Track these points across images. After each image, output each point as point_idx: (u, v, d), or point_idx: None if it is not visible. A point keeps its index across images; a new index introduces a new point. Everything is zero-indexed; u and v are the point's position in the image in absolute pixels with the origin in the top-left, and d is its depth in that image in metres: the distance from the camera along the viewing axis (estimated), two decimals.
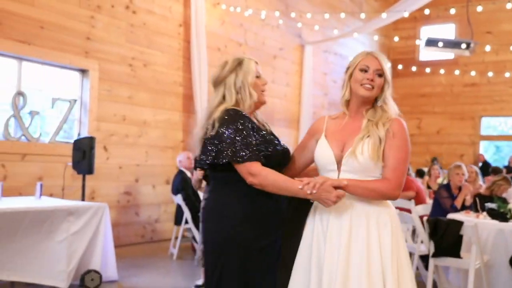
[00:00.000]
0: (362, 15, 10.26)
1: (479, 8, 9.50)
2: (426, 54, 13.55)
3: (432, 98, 14.05)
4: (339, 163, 2.18)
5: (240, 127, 2.21)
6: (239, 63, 2.35)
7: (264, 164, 2.19)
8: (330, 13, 10.71)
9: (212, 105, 2.34)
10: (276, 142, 2.33)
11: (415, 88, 14.13)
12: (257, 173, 2.14)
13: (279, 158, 2.31)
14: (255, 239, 2.18)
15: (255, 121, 2.35)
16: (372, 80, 2.19)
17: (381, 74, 2.21)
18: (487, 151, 15.84)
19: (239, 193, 2.21)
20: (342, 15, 10.27)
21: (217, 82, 2.36)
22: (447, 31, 13.89)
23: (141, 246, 7.03)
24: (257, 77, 2.36)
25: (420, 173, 8.81)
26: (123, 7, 6.98)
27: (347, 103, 2.29)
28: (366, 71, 2.20)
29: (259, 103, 2.37)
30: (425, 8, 9.15)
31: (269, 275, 2.21)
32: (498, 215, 4.56)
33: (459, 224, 4.24)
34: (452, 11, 10.29)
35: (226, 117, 2.23)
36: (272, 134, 2.37)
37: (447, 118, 13.95)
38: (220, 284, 2.22)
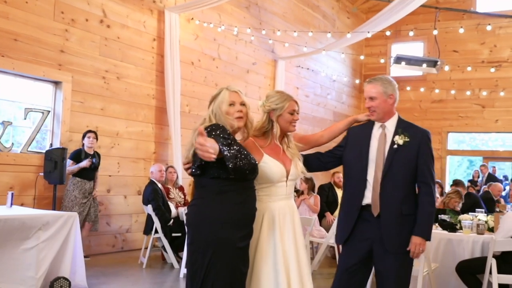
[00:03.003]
0: (329, 35, 10.60)
1: (446, 28, 9.93)
2: (396, 70, 13.99)
3: (402, 113, 14.05)
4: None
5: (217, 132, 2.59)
6: (217, 93, 2.77)
7: (250, 175, 2.64)
8: (302, 30, 11.04)
9: (198, 123, 2.73)
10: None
11: None
12: None
13: (253, 170, 2.69)
14: (238, 240, 2.56)
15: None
16: (297, 119, 2.99)
17: (298, 113, 3.00)
18: (461, 165, 16.31)
19: (226, 202, 2.57)
20: (310, 33, 10.59)
21: (208, 106, 2.79)
22: (416, 49, 14.38)
23: (112, 256, 7.13)
24: (231, 104, 2.71)
25: None
26: (97, 21, 7.16)
27: (275, 135, 2.96)
28: (292, 114, 2.94)
29: (235, 128, 2.72)
30: (395, 27, 9.54)
31: (246, 269, 2.66)
32: (448, 226, 4.87)
33: None
34: (421, 30, 10.73)
35: (208, 130, 2.57)
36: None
37: None
38: (206, 281, 2.54)
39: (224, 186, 2.56)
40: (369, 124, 3.20)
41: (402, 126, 3.09)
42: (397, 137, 3.05)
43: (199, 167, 2.53)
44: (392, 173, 3.01)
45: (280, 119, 2.93)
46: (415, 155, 3.03)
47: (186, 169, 2.68)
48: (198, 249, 2.56)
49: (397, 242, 2.99)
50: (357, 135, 3.18)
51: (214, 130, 2.54)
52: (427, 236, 3.00)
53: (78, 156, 6.44)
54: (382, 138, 3.09)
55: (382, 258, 3.02)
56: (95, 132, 6.65)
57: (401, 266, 3.02)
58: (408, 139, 3.03)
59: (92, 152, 6.58)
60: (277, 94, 2.96)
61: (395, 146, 3.04)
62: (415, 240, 2.98)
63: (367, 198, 3.05)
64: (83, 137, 6.59)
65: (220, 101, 2.71)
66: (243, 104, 2.75)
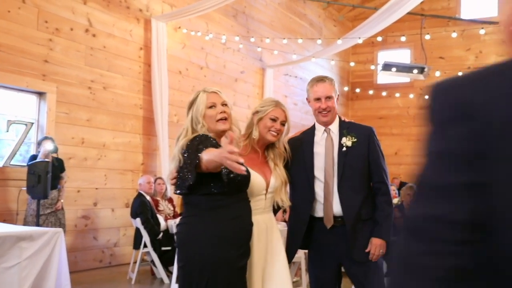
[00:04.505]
0: (319, 41, 10.56)
1: (432, 35, 9.94)
2: (384, 77, 13.99)
3: (390, 120, 14.47)
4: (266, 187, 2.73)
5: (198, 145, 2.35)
6: (195, 97, 2.52)
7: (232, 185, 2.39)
8: (290, 38, 10.98)
9: (178, 135, 2.51)
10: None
11: (373, 111, 14.54)
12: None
13: (247, 180, 2.48)
14: (237, 259, 2.36)
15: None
16: (279, 129, 2.75)
17: (284, 123, 2.79)
18: None
19: (221, 218, 2.36)
20: (300, 40, 10.54)
21: (187, 113, 2.55)
22: (403, 56, 14.42)
23: (100, 271, 6.91)
24: (211, 107, 2.47)
25: None
26: (83, 30, 6.99)
27: (254, 140, 2.77)
28: (275, 120, 2.73)
29: (219, 132, 2.49)
30: (382, 34, 9.53)
31: None
32: None
33: None
34: (407, 37, 10.73)
35: (188, 144, 2.37)
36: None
37: (404, 140, 14.36)
38: None
39: (217, 201, 2.36)
40: (309, 132, 3.04)
41: (346, 127, 2.94)
42: (344, 139, 2.88)
43: (189, 186, 2.28)
44: (347, 177, 2.84)
45: (260, 124, 2.75)
46: (366, 154, 2.87)
47: (173, 185, 2.44)
48: (192, 272, 2.32)
49: (363, 250, 2.84)
50: (298, 145, 2.98)
51: (200, 143, 2.30)
52: (387, 237, 2.85)
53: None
54: (329, 143, 2.92)
55: (353, 269, 2.89)
56: (51, 139, 6.04)
57: (374, 273, 2.87)
58: (355, 139, 2.87)
59: (50, 159, 5.84)
60: (267, 99, 2.81)
61: (344, 149, 2.87)
62: (375, 241, 2.83)
63: (320, 210, 2.88)
64: (39, 144, 5.98)
65: (197, 105, 2.47)
66: (224, 104, 2.50)
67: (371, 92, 13.24)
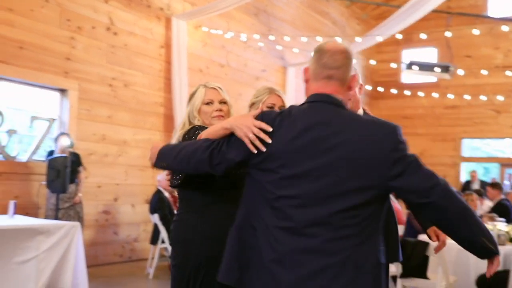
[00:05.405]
0: (339, 40, 10.46)
1: (458, 33, 9.75)
2: (408, 76, 13.78)
3: (415, 120, 14.23)
4: None
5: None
6: (194, 91, 2.49)
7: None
8: (311, 36, 10.92)
9: (176, 128, 2.51)
10: None
11: (397, 110, 14.33)
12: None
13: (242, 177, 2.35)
14: None
15: None
16: None
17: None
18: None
19: (214, 215, 2.26)
20: (318, 38, 10.46)
21: (187, 106, 2.53)
22: (429, 54, 14.16)
23: (119, 266, 7.02)
24: (207, 103, 2.44)
25: None
26: (104, 29, 7.10)
27: None
28: (272, 108, 2.54)
29: None
30: (406, 32, 9.39)
31: None
32: None
33: (425, 245, 4.31)
34: (434, 35, 10.55)
35: (184, 134, 2.36)
36: None
37: (430, 140, 14.11)
38: None
39: (213, 197, 2.27)
40: None
41: None
42: None
43: (183, 178, 2.21)
44: None
45: None
46: None
47: (169, 180, 2.35)
48: (185, 271, 2.24)
49: None
50: None
51: (196, 130, 2.26)
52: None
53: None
54: None
55: None
56: (68, 134, 6.14)
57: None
58: None
59: (67, 154, 5.82)
60: (261, 88, 2.68)
61: None
62: None
63: None
64: (56, 140, 6.08)
65: (195, 99, 2.44)
66: (223, 102, 2.46)
67: (395, 91, 13.05)
